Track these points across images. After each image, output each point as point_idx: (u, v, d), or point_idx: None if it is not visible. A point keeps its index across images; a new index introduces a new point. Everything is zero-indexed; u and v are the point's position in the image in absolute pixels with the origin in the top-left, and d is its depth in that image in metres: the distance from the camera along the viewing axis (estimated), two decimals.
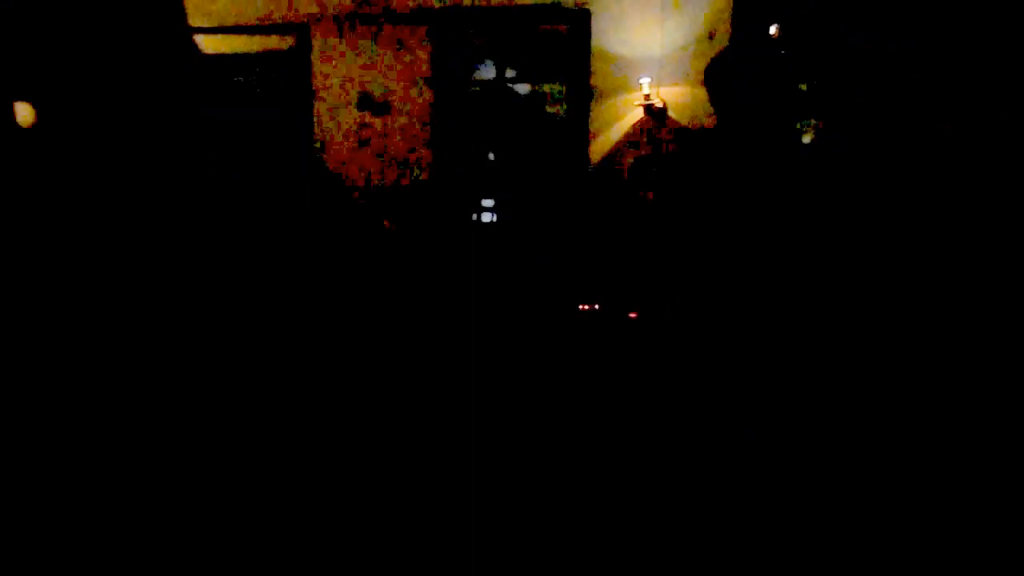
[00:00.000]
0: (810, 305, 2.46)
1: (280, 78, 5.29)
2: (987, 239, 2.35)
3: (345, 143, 4.97)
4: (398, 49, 4.87)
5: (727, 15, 4.07)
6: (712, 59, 2.20)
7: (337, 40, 4.93)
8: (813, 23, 3.81)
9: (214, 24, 5.00)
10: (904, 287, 2.33)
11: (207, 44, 5.11)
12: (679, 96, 4.30)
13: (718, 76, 2.34)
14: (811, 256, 2.52)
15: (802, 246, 2.52)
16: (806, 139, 3.93)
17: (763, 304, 2.49)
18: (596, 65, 4.53)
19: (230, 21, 5.02)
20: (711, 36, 4.10)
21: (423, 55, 4.84)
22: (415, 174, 4.91)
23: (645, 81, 4.36)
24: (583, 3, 4.51)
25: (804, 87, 3.88)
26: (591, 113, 4.57)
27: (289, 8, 4.94)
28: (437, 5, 4.76)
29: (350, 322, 2.98)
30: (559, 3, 4.55)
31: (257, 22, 4.99)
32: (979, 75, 2.56)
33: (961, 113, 2.56)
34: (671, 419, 2.52)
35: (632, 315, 3.62)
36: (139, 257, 1.56)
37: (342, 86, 4.96)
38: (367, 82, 4.91)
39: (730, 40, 4.02)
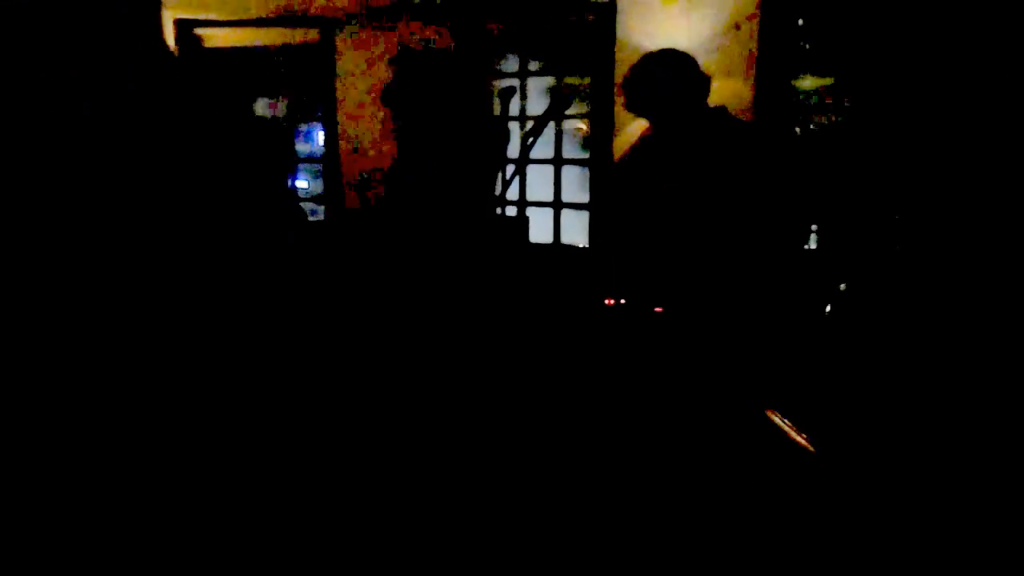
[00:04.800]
0: (829, 303, 2.44)
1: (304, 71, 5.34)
2: (987, 239, 2.34)
3: (368, 135, 5.02)
4: (422, 41, 4.87)
5: (755, 5, 4.02)
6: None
7: (360, 33, 4.95)
8: (841, 17, 3.75)
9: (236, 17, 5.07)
10: (910, 284, 2.33)
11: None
12: None
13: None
14: (825, 253, 2.49)
15: (819, 241, 2.48)
16: (828, 134, 3.87)
17: (784, 300, 2.47)
18: (620, 58, 4.48)
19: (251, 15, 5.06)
20: (737, 27, 4.05)
21: (446, 48, 4.84)
22: (438, 165, 4.92)
23: None
24: None
25: (831, 80, 3.84)
26: (615, 107, 4.53)
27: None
28: None
29: (369, 315, 2.98)
30: None
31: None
32: (979, 74, 2.54)
33: (961, 113, 2.54)
34: (687, 412, 2.52)
35: (658, 310, 3.59)
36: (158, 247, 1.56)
37: (365, 80, 4.99)
38: (391, 76, 4.91)
39: (759, 31, 3.98)
